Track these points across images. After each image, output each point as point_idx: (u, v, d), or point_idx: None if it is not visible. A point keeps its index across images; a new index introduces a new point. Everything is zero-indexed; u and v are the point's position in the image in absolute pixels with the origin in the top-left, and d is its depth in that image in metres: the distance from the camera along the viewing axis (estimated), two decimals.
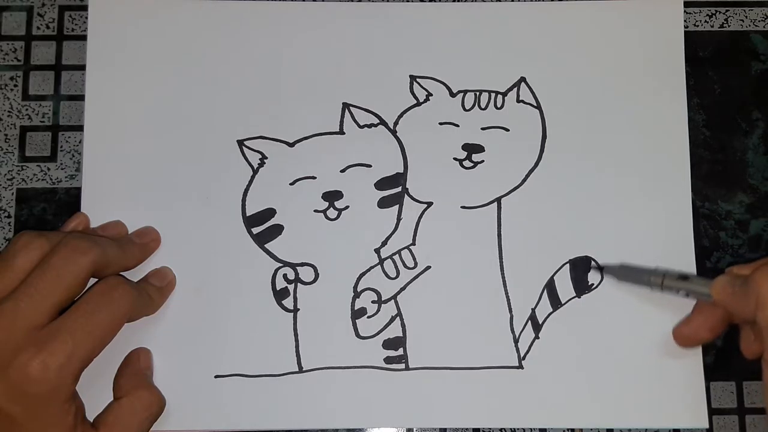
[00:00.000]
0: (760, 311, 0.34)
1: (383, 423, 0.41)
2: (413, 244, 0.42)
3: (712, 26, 0.45)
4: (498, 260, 0.42)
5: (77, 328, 0.35)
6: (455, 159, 0.43)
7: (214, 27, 0.44)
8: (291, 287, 0.42)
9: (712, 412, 0.41)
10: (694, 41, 0.45)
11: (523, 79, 0.44)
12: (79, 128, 0.44)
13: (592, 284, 0.42)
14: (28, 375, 0.34)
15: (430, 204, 0.43)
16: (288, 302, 0.42)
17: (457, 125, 0.43)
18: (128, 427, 0.37)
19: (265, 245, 0.42)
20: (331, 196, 0.43)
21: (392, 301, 0.42)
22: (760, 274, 0.35)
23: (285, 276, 0.42)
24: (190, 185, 0.43)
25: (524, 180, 0.43)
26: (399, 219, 0.43)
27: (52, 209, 0.43)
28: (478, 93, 0.44)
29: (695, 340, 0.40)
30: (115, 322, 0.36)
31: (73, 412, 0.35)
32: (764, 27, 0.45)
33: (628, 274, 0.41)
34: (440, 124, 0.43)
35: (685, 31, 0.44)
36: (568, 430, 0.41)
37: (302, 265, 0.42)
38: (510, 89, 0.44)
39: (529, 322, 0.42)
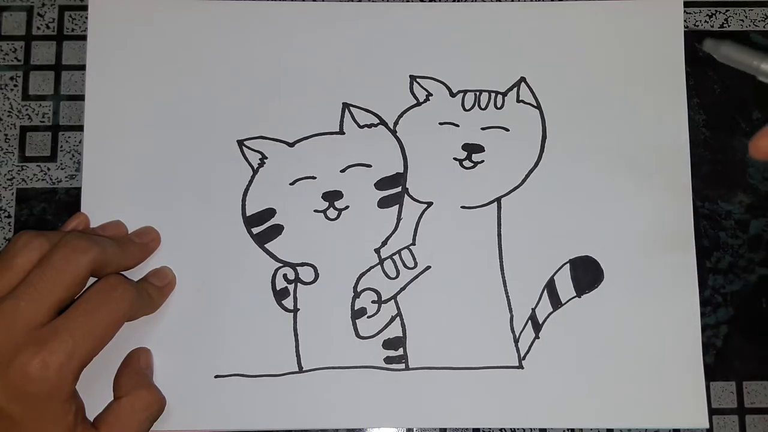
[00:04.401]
0: None
1: (383, 423, 0.41)
2: (413, 244, 0.42)
3: (712, 26, 0.45)
4: (498, 260, 0.42)
5: (77, 327, 0.35)
6: (455, 159, 0.43)
7: (214, 27, 0.44)
8: (291, 287, 0.42)
9: (712, 412, 0.41)
10: (694, 41, 0.45)
11: (523, 79, 0.44)
12: (79, 128, 0.44)
13: (594, 284, 0.42)
14: (28, 374, 0.34)
15: (430, 204, 0.43)
16: (288, 302, 0.42)
17: (457, 125, 0.43)
18: (128, 426, 0.37)
19: (265, 245, 0.42)
20: (331, 196, 0.43)
21: (392, 301, 0.42)
22: None
23: (285, 276, 0.42)
24: (190, 185, 0.43)
25: (524, 180, 0.43)
26: (399, 219, 0.43)
27: (52, 209, 0.43)
28: (478, 93, 0.44)
29: None
30: (115, 321, 0.36)
31: (73, 411, 0.35)
32: (764, 27, 0.45)
33: (733, 53, 0.34)
34: (440, 124, 0.43)
35: (685, 31, 0.44)
36: (568, 430, 0.41)
37: (302, 265, 0.42)
38: (510, 89, 0.44)
39: (529, 322, 0.42)
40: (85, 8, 0.44)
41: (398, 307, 0.42)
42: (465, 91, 0.44)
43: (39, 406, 0.34)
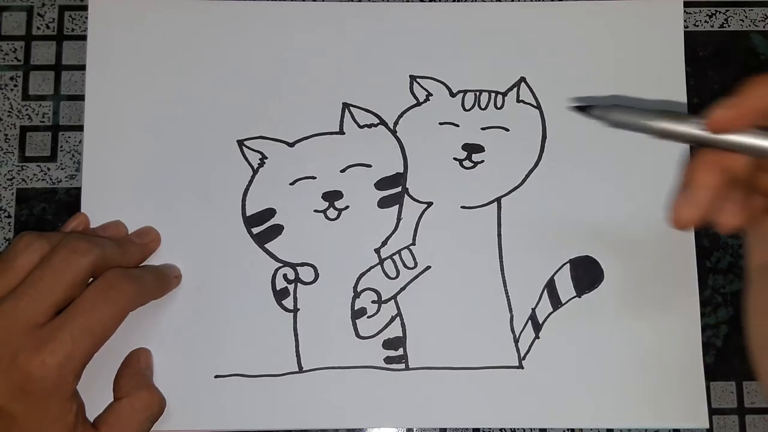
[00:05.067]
0: None
1: (383, 423, 0.41)
2: (413, 244, 0.42)
3: (712, 26, 0.45)
4: (498, 260, 0.42)
5: (76, 326, 0.35)
6: (455, 159, 0.43)
7: (214, 27, 0.44)
8: (291, 287, 0.42)
9: (712, 412, 0.41)
10: (694, 41, 0.45)
11: (523, 79, 0.44)
12: (79, 128, 0.44)
13: (594, 284, 0.42)
14: (29, 374, 0.34)
15: (430, 204, 0.43)
16: (288, 302, 0.42)
17: (457, 125, 0.43)
18: (128, 427, 0.38)
19: (265, 245, 0.42)
20: (331, 196, 0.43)
21: (392, 301, 0.42)
22: None
23: (285, 276, 0.42)
24: (190, 185, 0.43)
25: (524, 180, 0.43)
26: (399, 219, 0.43)
27: (52, 209, 0.43)
28: (478, 93, 0.44)
29: (698, 217, 0.31)
30: (115, 318, 0.36)
31: (74, 410, 0.35)
32: (764, 27, 0.45)
33: (623, 117, 0.33)
34: (440, 124, 0.43)
35: (685, 31, 0.44)
36: (568, 430, 0.41)
37: (302, 265, 0.42)
38: (510, 89, 0.44)
39: (529, 322, 0.42)
40: (85, 8, 0.44)
41: (398, 307, 0.42)
42: (465, 91, 0.44)
43: (40, 405, 0.34)
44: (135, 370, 0.40)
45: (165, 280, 0.40)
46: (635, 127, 0.32)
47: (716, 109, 0.30)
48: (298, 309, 0.42)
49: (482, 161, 0.43)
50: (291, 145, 0.43)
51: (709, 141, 0.31)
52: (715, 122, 0.31)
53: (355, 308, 0.42)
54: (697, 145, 0.32)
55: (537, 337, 0.42)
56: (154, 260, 0.42)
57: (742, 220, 0.32)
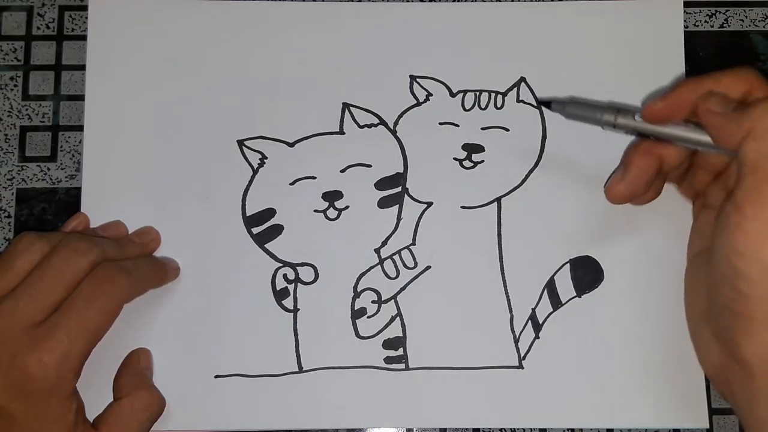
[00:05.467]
0: (748, 142, 0.31)
1: (383, 423, 0.41)
2: (413, 244, 0.42)
3: (712, 26, 0.45)
4: (498, 260, 0.42)
5: (71, 324, 0.35)
6: (455, 159, 0.43)
7: (214, 27, 0.44)
8: (291, 287, 0.42)
9: (712, 412, 0.41)
10: (694, 41, 0.45)
11: (523, 79, 0.44)
12: (79, 128, 0.44)
13: (594, 284, 0.42)
14: (28, 373, 0.34)
15: (430, 204, 0.43)
16: (288, 302, 0.42)
17: (457, 125, 0.43)
18: (128, 427, 0.38)
19: (265, 245, 0.42)
20: (331, 196, 0.43)
21: (392, 301, 0.42)
22: (766, 106, 0.32)
23: (285, 276, 0.42)
24: (190, 185, 0.43)
25: (524, 180, 0.43)
26: (399, 219, 0.43)
27: (52, 209, 0.43)
28: (478, 93, 0.44)
29: (630, 196, 0.37)
30: (110, 313, 0.36)
31: (74, 409, 0.36)
32: (764, 27, 0.45)
33: (576, 110, 0.38)
34: (440, 124, 0.43)
35: (685, 31, 0.44)
36: (568, 430, 0.41)
37: (302, 265, 0.42)
38: (510, 89, 0.44)
39: (529, 322, 0.42)
40: (85, 8, 0.44)
41: (398, 307, 0.42)
42: (465, 91, 0.44)
43: (40, 404, 0.34)
44: (135, 370, 0.40)
45: (162, 269, 0.40)
46: (587, 119, 0.38)
47: (650, 101, 0.35)
48: (298, 309, 0.42)
49: (482, 161, 0.43)
50: (291, 145, 0.43)
51: (646, 131, 0.36)
52: (648, 112, 0.36)
53: (355, 308, 0.42)
54: (639, 136, 0.37)
55: (537, 337, 0.42)
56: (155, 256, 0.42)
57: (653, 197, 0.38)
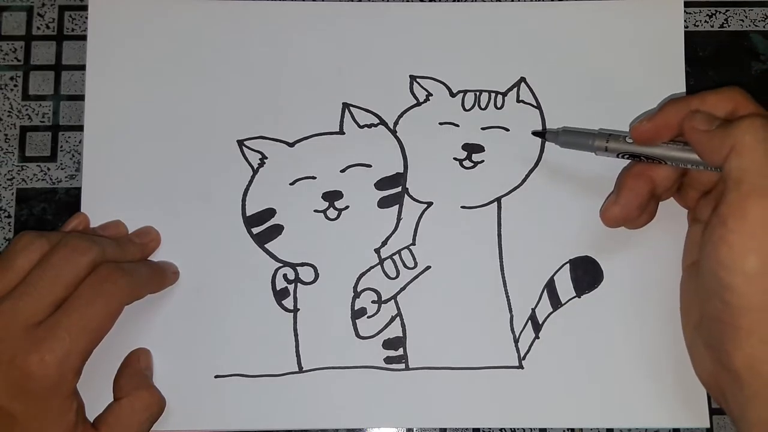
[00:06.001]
0: (732, 159, 0.32)
1: (383, 423, 0.41)
2: (413, 244, 0.42)
3: (712, 26, 0.45)
4: (498, 260, 0.42)
5: (72, 323, 0.35)
6: (455, 159, 0.43)
7: (214, 27, 0.44)
8: (291, 287, 0.42)
9: (712, 412, 0.41)
10: (694, 41, 0.45)
11: (523, 79, 0.44)
12: (79, 128, 0.44)
13: (594, 284, 0.42)
14: (28, 372, 0.34)
15: (430, 204, 0.43)
16: (288, 302, 0.42)
17: (457, 125, 0.43)
18: (128, 427, 0.38)
19: (265, 245, 0.42)
20: (331, 196, 0.43)
21: (392, 301, 0.42)
22: (749, 120, 0.33)
23: (285, 276, 0.42)
24: (190, 185, 0.43)
25: (524, 180, 0.43)
26: (399, 219, 0.43)
27: (52, 209, 0.43)
28: (478, 93, 0.44)
29: (625, 218, 0.38)
30: (111, 312, 0.36)
31: (74, 409, 0.36)
32: (764, 27, 0.45)
33: (570, 138, 0.40)
34: (440, 124, 0.43)
35: (685, 31, 0.44)
36: (568, 430, 0.41)
37: (302, 265, 0.42)
38: (510, 89, 0.44)
39: (529, 322, 0.42)
40: (85, 8, 0.44)
41: (398, 307, 0.42)
42: (465, 91, 0.44)
43: (40, 404, 0.34)
44: (135, 370, 0.40)
45: (161, 273, 0.40)
46: (580, 146, 0.39)
47: (637, 123, 0.37)
48: (298, 309, 0.42)
49: (482, 161, 0.43)
50: (291, 145, 0.43)
51: (637, 153, 0.37)
52: (636, 133, 0.37)
53: (355, 308, 0.42)
54: (631, 158, 0.38)
55: (537, 337, 0.42)
56: (154, 260, 0.42)
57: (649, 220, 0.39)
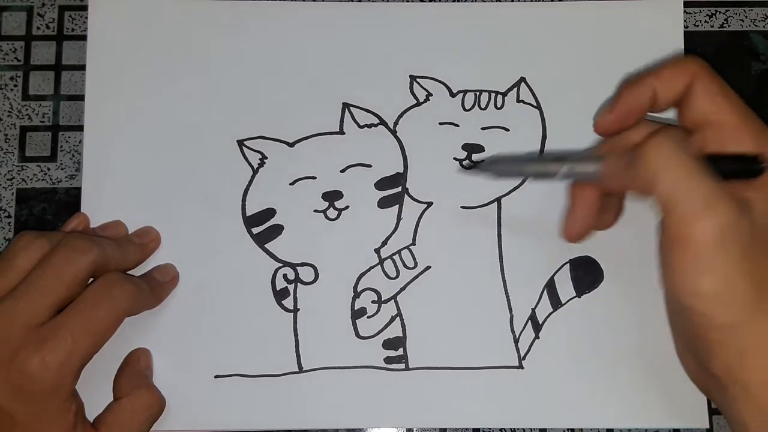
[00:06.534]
0: (656, 187, 0.31)
1: (383, 423, 0.41)
2: (413, 244, 0.42)
3: (712, 26, 0.45)
4: (498, 260, 0.42)
5: (76, 325, 0.35)
6: (455, 159, 0.43)
7: (214, 27, 0.44)
8: (291, 287, 0.42)
9: (712, 412, 0.41)
10: (694, 41, 0.45)
11: (523, 79, 0.44)
12: (79, 128, 0.44)
13: (594, 284, 0.42)
14: (28, 373, 0.34)
15: (430, 204, 0.43)
16: (288, 302, 0.42)
17: (457, 125, 0.43)
18: (128, 427, 0.38)
19: (265, 245, 0.42)
20: (331, 196, 0.43)
21: (392, 301, 0.42)
22: (652, 145, 0.32)
23: (285, 276, 0.42)
24: (190, 185, 0.43)
25: (524, 180, 0.43)
26: (399, 219, 0.43)
27: (52, 209, 0.43)
28: (478, 93, 0.44)
29: (587, 232, 0.38)
30: (115, 318, 0.36)
31: (73, 410, 0.36)
32: (764, 27, 0.45)
33: (501, 167, 0.38)
34: (440, 124, 0.43)
35: (685, 31, 0.44)
36: (568, 430, 0.41)
37: (302, 265, 0.42)
38: (510, 89, 0.44)
39: (529, 322, 0.42)
40: (85, 8, 0.44)
41: (398, 307, 0.42)
42: (465, 91, 0.44)
43: (39, 404, 0.34)
44: (135, 370, 0.40)
45: (159, 288, 0.40)
46: (515, 173, 0.39)
47: (597, 116, 0.36)
48: (298, 309, 0.42)
49: (482, 161, 0.43)
50: (291, 145, 0.43)
51: (573, 176, 0.36)
52: (600, 128, 0.35)
53: (355, 308, 0.42)
54: (567, 180, 0.37)
55: (537, 337, 0.42)
56: (154, 260, 0.42)
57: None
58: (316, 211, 0.43)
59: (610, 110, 0.36)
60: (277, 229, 0.42)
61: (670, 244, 0.31)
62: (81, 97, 0.44)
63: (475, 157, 0.43)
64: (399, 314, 0.42)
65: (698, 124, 0.34)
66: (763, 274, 0.31)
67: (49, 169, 0.44)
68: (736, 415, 0.32)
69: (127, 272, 0.40)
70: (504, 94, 0.44)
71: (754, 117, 0.33)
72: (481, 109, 0.44)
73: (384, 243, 0.42)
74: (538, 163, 0.37)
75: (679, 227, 0.31)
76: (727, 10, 0.45)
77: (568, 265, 0.42)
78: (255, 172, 0.43)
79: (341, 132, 0.43)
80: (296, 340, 0.41)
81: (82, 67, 0.44)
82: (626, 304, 0.42)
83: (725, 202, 0.30)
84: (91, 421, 0.37)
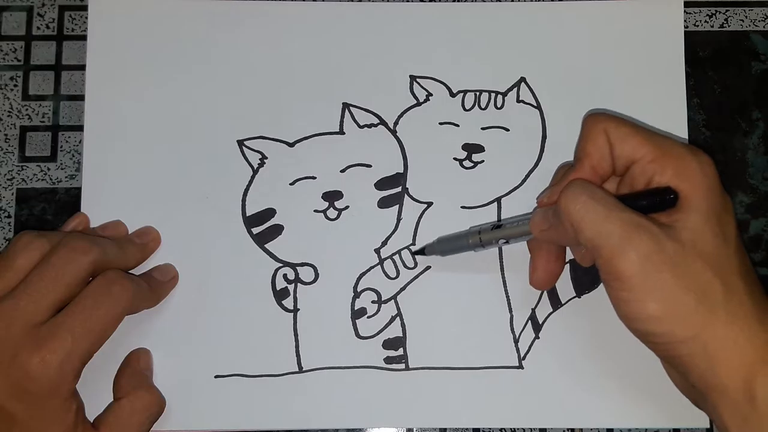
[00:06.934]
0: (580, 235, 0.33)
1: (383, 423, 0.41)
2: (413, 244, 0.42)
3: (712, 26, 0.45)
4: (498, 260, 0.42)
5: (76, 324, 0.35)
6: (455, 159, 0.43)
7: (215, 27, 0.44)
8: (291, 287, 0.42)
9: None
10: (694, 41, 0.45)
11: (523, 79, 0.44)
12: (79, 128, 0.44)
13: (594, 284, 0.42)
14: (29, 372, 0.34)
15: (430, 204, 0.43)
16: (288, 302, 0.42)
17: (457, 125, 0.43)
18: (128, 427, 0.38)
19: (265, 245, 0.42)
20: (331, 196, 0.43)
21: (392, 301, 0.42)
22: (564, 200, 0.34)
23: (285, 276, 0.42)
24: (190, 185, 0.43)
25: (524, 180, 0.43)
26: (399, 219, 0.43)
27: (52, 209, 0.43)
28: (478, 93, 0.44)
29: (552, 277, 0.39)
30: (114, 317, 0.36)
31: (74, 410, 0.36)
32: (764, 27, 0.45)
33: (447, 245, 0.41)
34: (440, 124, 0.43)
35: (685, 31, 0.44)
36: (568, 430, 0.41)
37: (302, 265, 0.42)
38: (510, 89, 0.44)
39: (529, 322, 0.42)
40: (85, 8, 0.44)
41: (398, 307, 0.42)
42: (465, 91, 0.44)
43: (40, 404, 0.34)
44: (135, 370, 0.40)
45: (159, 287, 0.40)
46: (459, 248, 0.40)
47: (543, 197, 0.38)
48: (298, 309, 0.42)
49: (482, 161, 0.43)
50: (291, 145, 0.43)
51: (513, 240, 0.38)
52: (543, 205, 0.38)
53: (355, 308, 0.42)
54: (506, 244, 0.39)
55: (537, 337, 0.42)
56: (154, 260, 0.42)
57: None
58: (316, 211, 0.43)
59: (552, 191, 0.37)
60: (277, 229, 0.42)
61: (608, 282, 0.33)
62: (81, 97, 0.44)
63: (475, 157, 0.43)
64: (399, 314, 0.42)
65: (625, 165, 0.36)
66: (704, 285, 0.32)
67: (49, 169, 0.44)
68: (718, 420, 0.33)
69: (127, 272, 0.40)
70: (504, 94, 0.44)
71: (670, 145, 0.35)
72: (481, 109, 0.44)
73: (384, 243, 0.42)
74: (478, 236, 0.39)
75: (609, 266, 0.33)
76: (727, 10, 0.45)
77: (568, 265, 0.42)
78: (255, 172, 0.43)
79: (341, 132, 0.43)
80: (296, 340, 0.41)
81: (82, 67, 0.44)
82: None
83: (642, 233, 0.32)
84: (92, 421, 0.37)
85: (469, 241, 0.40)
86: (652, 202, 0.34)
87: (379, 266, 0.42)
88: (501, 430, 0.41)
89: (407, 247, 0.42)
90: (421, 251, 0.42)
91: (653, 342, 0.33)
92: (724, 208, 0.34)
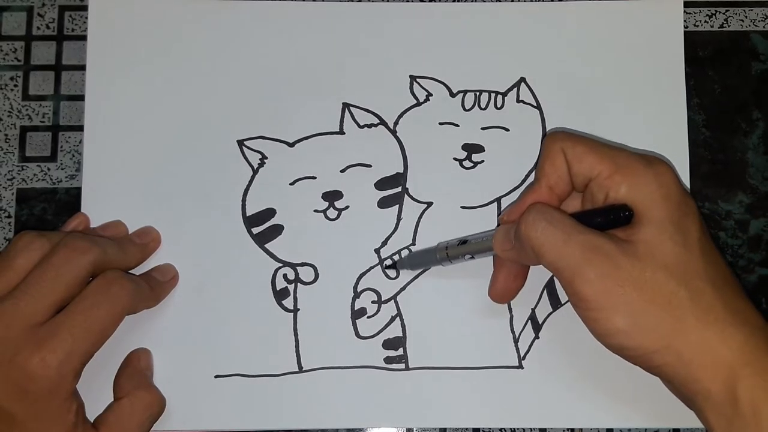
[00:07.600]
0: (541, 259, 0.34)
1: (383, 423, 0.41)
2: (413, 244, 0.42)
3: (712, 26, 0.45)
4: None
5: (76, 324, 0.35)
6: (455, 159, 0.43)
7: (214, 27, 0.44)
8: (291, 287, 0.42)
9: None
10: (694, 41, 0.45)
11: (523, 79, 0.44)
12: (79, 128, 0.44)
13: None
14: (29, 372, 0.34)
15: (430, 204, 0.43)
16: (288, 302, 0.42)
17: (457, 125, 0.43)
18: (128, 427, 0.38)
19: (265, 245, 0.42)
20: (331, 196, 0.43)
21: (392, 301, 0.42)
22: (525, 226, 0.34)
23: (285, 276, 0.42)
24: (190, 185, 0.43)
25: (524, 180, 0.43)
26: (399, 219, 0.43)
27: (52, 209, 0.43)
28: (478, 93, 0.44)
29: (510, 293, 0.40)
30: (114, 317, 0.36)
31: (74, 410, 0.36)
32: (764, 27, 0.45)
33: (416, 260, 0.41)
34: (440, 124, 0.43)
35: (685, 31, 0.44)
36: (568, 430, 0.41)
37: (302, 265, 0.42)
38: (510, 89, 0.44)
39: (529, 322, 0.42)
40: (85, 8, 0.44)
41: (398, 307, 0.42)
42: (465, 91, 0.44)
43: (40, 404, 0.34)
44: (135, 370, 0.40)
45: (159, 287, 0.40)
46: (427, 262, 0.41)
47: (504, 213, 0.38)
48: (298, 309, 0.42)
49: (482, 161, 0.43)
50: (291, 145, 0.43)
51: (478, 256, 0.39)
52: (505, 221, 0.38)
53: (355, 308, 0.42)
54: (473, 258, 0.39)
55: (537, 337, 0.42)
56: (154, 260, 0.42)
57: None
58: (316, 211, 0.43)
59: (515, 207, 0.38)
60: (277, 229, 0.42)
61: (574, 303, 0.34)
62: (81, 97, 0.44)
63: (475, 157, 0.43)
64: (399, 314, 0.42)
65: (584, 183, 0.36)
66: (668, 295, 0.32)
67: (49, 169, 0.44)
68: (706, 423, 0.33)
69: (127, 272, 0.40)
70: (504, 94, 0.44)
71: (625, 159, 0.35)
72: (481, 109, 0.44)
73: (384, 243, 0.42)
74: (445, 251, 0.40)
75: (572, 287, 0.33)
76: (727, 10, 0.45)
77: None
78: (255, 172, 0.43)
79: (341, 132, 0.43)
80: (296, 340, 0.41)
81: (82, 67, 0.44)
82: None
83: (599, 252, 0.33)
84: (92, 421, 0.37)
85: (437, 256, 0.40)
86: (607, 220, 0.34)
87: (379, 266, 0.42)
88: (501, 430, 0.41)
89: (407, 247, 0.42)
90: (393, 266, 0.42)
91: (629, 356, 0.34)
92: (684, 213, 0.34)
